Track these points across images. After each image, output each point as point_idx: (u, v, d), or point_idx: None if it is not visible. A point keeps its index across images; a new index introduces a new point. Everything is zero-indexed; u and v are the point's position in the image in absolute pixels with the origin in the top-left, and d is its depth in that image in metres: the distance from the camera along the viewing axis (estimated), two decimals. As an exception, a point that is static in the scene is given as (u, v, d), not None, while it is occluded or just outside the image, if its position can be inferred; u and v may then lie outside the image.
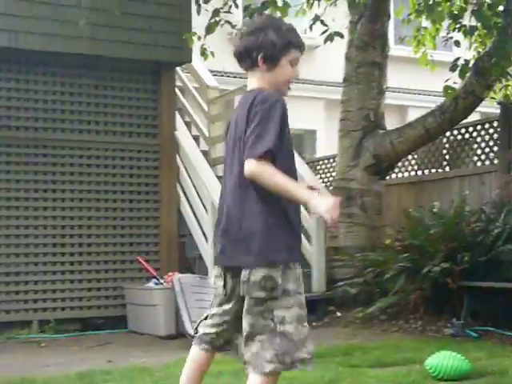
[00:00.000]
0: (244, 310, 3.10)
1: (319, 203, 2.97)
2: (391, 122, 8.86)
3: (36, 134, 8.12)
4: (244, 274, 3.07)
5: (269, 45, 3.15)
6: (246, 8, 7.02)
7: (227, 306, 3.24)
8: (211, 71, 11.62)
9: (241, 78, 16.10)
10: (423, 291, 7.29)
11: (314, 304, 8.22)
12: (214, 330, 3.30)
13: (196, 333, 3.40)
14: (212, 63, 8.30)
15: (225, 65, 13.34)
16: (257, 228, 3.05)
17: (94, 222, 8.31)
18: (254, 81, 3.21)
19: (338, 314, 8.04)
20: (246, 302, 3.09)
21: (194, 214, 8.38)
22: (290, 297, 3.06)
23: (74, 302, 8.16)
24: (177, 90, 9.44)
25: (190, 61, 8.90)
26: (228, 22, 7.19)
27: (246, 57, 3.18)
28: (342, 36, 7.15)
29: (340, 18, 8.01)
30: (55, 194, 8.16)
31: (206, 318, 3.36)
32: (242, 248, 3.08)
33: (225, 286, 3.21)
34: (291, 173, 3.12)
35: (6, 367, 5.85)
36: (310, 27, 7.05)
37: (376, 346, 6.29)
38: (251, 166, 3.02)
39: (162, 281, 7.73)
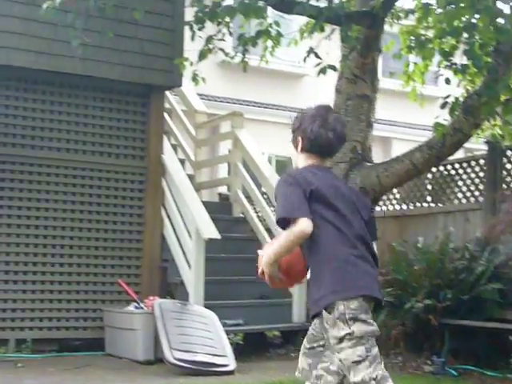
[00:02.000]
0: None
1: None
2: (375, 154, 8.85)
3: (20, 150, 8.06)
4: None
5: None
6: (239, 36, 7.03)
7: None
8: (199, 94, 11.63)
9: (228, 102, 16.20)
10: (405, 327, 7.29)
11: (294, 334, 8.21)
12: None
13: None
14: (201, 86, 8.31)
15: (214, 89, 13.40)
16: None
17: (77, 241, 8.25)
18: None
19: (318, 345, 7.99)
20: None
21: (178, 238, 8.33)
22: None
23: (51, 322, 8.08)
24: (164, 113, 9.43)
25: (181, 85, 8.92)
26: (221, 49, 7.20)
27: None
28: (335, 69, 7.16)
29: (333, 50, 8.03)
30: (38, 212, 8.09)
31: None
32: None
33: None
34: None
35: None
36: (304, 59, 7.05)
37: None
38: None
39: (142, 305, 7.67)
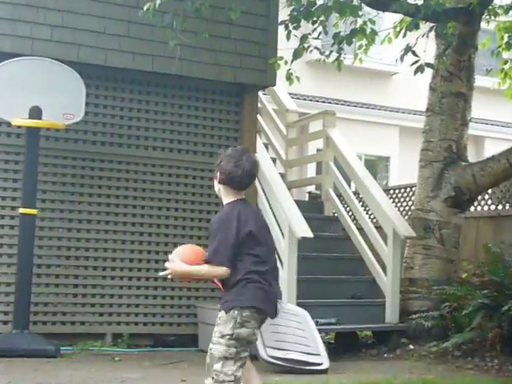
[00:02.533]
0: None
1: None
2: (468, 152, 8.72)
3: (119, 149, 8.27)
4: None
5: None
6: (335, 35, 7.03)
7: None
8: (288, 93, 11.66)
9: (317, 101, 16.20)
10: (501, 329, 7.13)
11: (387, 335, 8.15)
12: None
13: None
14: (291, 86, 8.36)
15: (303, 88, 13.42)
16: None
17: (171, 239, 8.39)
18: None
19: (411, 346, 7.92)
20: None
21: (270, 237, 8.35)
22: None
23: (147, 317, 8.24)
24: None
25: (274, 84, 8.96)
26: (317, 48, 7.21)
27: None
28: (433, 67, 7.09)
29: (426, 48, 7.95)
30: (135, 209, 8.28)
31: None
32: None
33: None
34: None
35: (82, 380, 5.94)
36: (401, 58, 7.00)
37: (452, 383, 6.17)
38: None
39: (235, 302, 7.72)
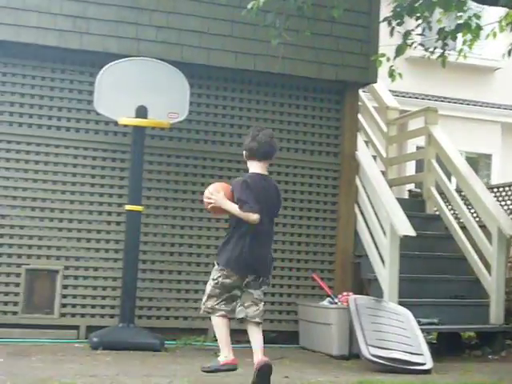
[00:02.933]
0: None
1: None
2: None
3: (222, 148, 8.38)
4: None
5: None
6: (439, 30, 6.93)
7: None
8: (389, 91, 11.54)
9: (416, 98, 15.99)
10: None
11: (491, 336, 7.99)
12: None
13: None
14: (389, 83, 8.28)
15: (403, 85, 13.26)
16: None
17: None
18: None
19: (517, 348, 7.75)
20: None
21: (371, 235, 8.32)
22: None
23: (248, 314, 8.31)
24: (357, 110, 9.46)
25: (376, 81, 8.90)
26: (421, 44, 7.13)
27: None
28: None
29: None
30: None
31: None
32: None
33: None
34: None
35: (186, 374, 6.05)
36: (509, 53, 6.85)
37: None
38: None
39: (336, 300, 7.74)
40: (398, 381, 6.07)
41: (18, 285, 7.65)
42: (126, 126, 7.68)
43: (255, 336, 5.46)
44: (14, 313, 7.62)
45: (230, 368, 5.51)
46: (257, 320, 5.44)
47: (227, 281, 5.37)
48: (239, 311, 5.46)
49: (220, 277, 5.37)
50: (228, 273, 5.35)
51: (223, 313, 5.43)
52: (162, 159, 8.19)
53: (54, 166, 7.88)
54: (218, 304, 5.41)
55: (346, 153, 8.73)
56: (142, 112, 7.48)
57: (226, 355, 5.50)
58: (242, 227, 5.31)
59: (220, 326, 5.50)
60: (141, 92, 7.54)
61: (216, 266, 5.43)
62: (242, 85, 8.51)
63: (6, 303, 7.63)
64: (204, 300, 5.48)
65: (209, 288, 5.45)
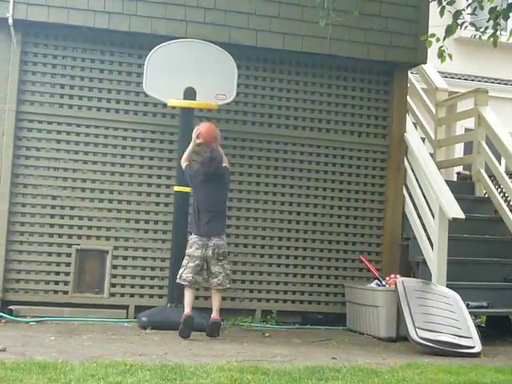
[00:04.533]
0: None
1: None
2: None
3: (269, 129, 8.38)
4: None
5: None
6: (491, 10, 6.80)
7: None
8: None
9: (466, 79, 15.76)
10: None
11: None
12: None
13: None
14: (436, 63, 8.17)
15: (452, 66, 13.09)
16: None
17: (319, 218, 8.45)
18: None
19: None
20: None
21: (420, 217, 8.26)
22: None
23: (295, 295, 8.35)
24: (406, 91, 9.36)
25: (425, 62, 8.81)
26: (473, 24, 7.00)
27: None
28: None
29: None
30: (283, 188, 8.37)
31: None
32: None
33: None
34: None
35: (235, 353, 6.10)
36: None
37: None
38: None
39: (384, 282, 7.71)
40: (446, 364, 6.04)
41: (68, 265, 7.78)
42: (174, 107, 7.73)
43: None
44: (65, 292, 7.75)
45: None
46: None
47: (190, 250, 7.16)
48: None
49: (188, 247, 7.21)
50: (192, 239, 7.19)
51: None
52: (209, 141, 8.22)
53: (104, 148, 7.97)
54: None
55: (394, 135, 8.66)
56: (190, 94, 7.51)
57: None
58: None
59: None
60: (189, 74, 7.58)
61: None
62: (289, 66, 8.49)
63: (57, 282, 7.76)
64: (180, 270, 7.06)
65: (184, 261, 7.10)
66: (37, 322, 7.32)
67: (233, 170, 8.23)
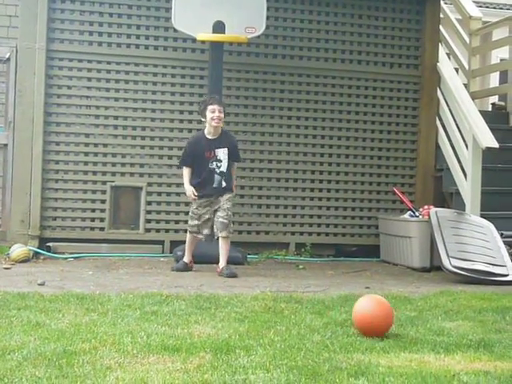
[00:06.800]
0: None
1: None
2: None
3: (300, 62, 8.31)
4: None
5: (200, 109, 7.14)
6: None
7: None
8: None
9: (501, 8, 15.43)
10: None
11: None
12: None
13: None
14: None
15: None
16: None
17: (352, 151, 8.43)
18: None
19: None
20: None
21: (453, 148, 8.20)
22: None
23: (329, 228, 8.39)
24: (439, 21, 9.19)
25: (457, -11, 8.64)
26: None
27: None
28: None
29: None
30: (315, 122, 8.34)
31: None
32: None
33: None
34: (200, 173, 6.95)
35: (269, 284, 6.17)
36: None
37: None
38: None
39: (417, 213, 7.70)
40: (480, 291, 6.05)
41: (103, 201, 7.88)
42: (203, 42, 7.68)
43: None
44: (101, 228, 7.87)
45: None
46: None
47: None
48: None
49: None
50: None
51: None
52: (240, 75, 8.19)
53: (134, 85, 7.98)
54: None
55: (426, 65, 8.55)
56: (219, 27, 7.44)
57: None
58: None
59: None
60: (218, 7, 7.48)
61: None
62: (319, -3, 8.38)
63: (93, 219, 7.88)
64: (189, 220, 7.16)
65: (190, 212, 7.17)
66: (75, 257, 7.47)
67: (263, 104, 8.23)
